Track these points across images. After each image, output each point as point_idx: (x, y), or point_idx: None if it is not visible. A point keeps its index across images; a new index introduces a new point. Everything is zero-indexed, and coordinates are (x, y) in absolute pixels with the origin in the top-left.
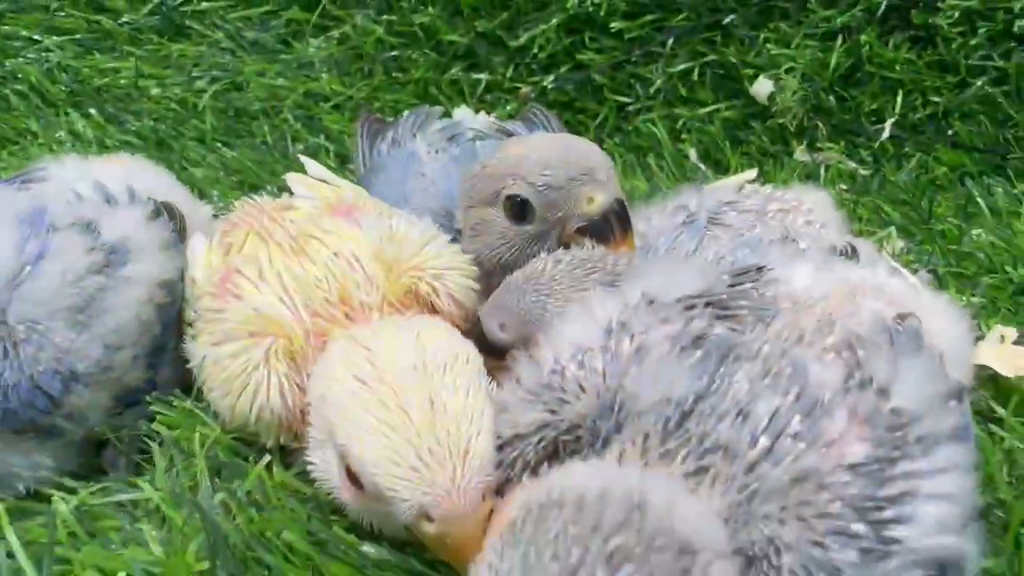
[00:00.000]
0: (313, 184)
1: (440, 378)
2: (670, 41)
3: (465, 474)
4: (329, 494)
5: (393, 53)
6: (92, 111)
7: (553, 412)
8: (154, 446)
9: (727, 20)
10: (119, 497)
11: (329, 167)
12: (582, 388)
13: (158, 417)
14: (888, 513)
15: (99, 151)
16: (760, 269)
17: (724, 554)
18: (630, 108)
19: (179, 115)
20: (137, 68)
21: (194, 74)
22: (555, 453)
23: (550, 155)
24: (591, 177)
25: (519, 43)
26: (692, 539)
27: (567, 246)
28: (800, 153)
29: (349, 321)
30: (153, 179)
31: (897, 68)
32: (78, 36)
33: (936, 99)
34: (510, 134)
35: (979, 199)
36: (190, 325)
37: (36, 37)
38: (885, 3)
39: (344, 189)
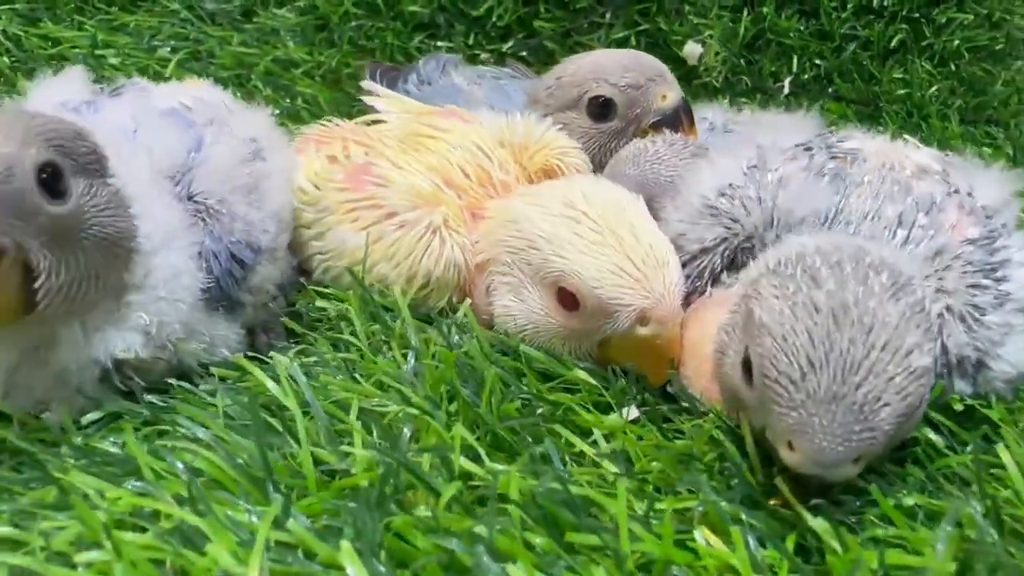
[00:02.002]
0: (393, 99)
1: (628, 211)
2: (608, 14)
3: (672, 280)
4: (518, 334)
5: (358, 23)
6: None
7: (728, 228)
8: (350, 310)
9: None
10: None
11: None
12: (746, 208)
13: (322, 296)
14: (999, 273)
15: None
16: (831, 132)
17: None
18: None
19: None
20: (94, 37)
21: (154, 43)
22: (732, 262)
23: (627, 61)
24: (663, 79)
25: (478, 13)
26: (901, 267)
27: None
28: (726, 105)
29: (496, 196)
30: (232, 100)
31: (791, 36)
32: (18, 6)
33: (819, 62)
34: (515, 77)
35: None
36: (308, 227)
37: None
38: None
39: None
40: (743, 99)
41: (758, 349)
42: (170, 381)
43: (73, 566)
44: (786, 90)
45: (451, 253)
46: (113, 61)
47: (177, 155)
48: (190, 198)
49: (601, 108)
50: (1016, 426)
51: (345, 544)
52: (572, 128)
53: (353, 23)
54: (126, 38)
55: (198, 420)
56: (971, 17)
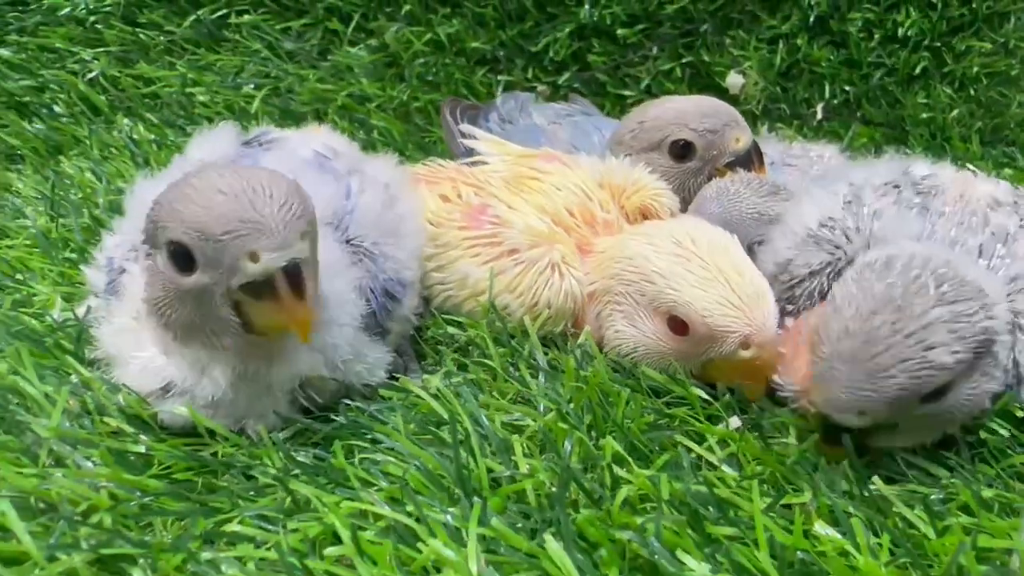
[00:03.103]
0: (492, 142)
1: (729, 249)
2: (655, 48)
3: (769, 310)
4: (628, 355)
5: (425, 60)
6: (148, 115)
7: (832, 253)
8: (481, 336)
9: (702, 28)
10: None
11: None
12: (847, 237)
13: (450, 324)
14: None
15: (160, 153)
16: (912, 164)
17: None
18: (628, 101)
19: (231, 119)
20: (184, 76)
21: (239, 80)
22: None
23: (704, 108)
24: (737, 123)
25: (536, 48)
26: (983, 286)
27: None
28: (765, 133)
29: (603, 234)
30: (353, 145)
31: (823, 65)
32: (113, 49)
33: (848, 88)
34: (585, 113)
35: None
36: (428, 260)
37: (73, 49)
38: (813, 15)
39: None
40: (780, 124)
41: (822, 313)
42: (346, 401)
43: (321, 557)
44: (819, 116)
45: (569, 286)
46: (202, 99)
47: (334, 203)
48: (348, 241)
49: (682, 150)
50: None
51: (549, 537)
52: (654, 167)
53: (421, 60)
54: (213, 76)
55: (392, 436)
56: (988, 45)
